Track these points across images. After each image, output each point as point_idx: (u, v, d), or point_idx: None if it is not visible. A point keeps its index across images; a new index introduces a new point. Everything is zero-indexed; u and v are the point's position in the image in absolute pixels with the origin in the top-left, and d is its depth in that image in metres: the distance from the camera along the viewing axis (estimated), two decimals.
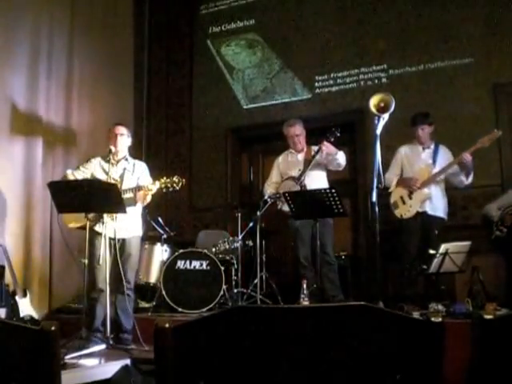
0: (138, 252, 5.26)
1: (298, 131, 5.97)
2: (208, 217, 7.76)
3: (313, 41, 7.44)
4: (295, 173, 5.87)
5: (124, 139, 5.23)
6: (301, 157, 5.98)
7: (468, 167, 5.42)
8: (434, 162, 5.62)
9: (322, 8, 7.45)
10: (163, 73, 8.41)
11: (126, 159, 5.25)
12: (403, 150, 5.83)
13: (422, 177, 5.58)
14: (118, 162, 5.16)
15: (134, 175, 5.20)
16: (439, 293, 5.21)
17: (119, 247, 4.92)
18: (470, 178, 5.52)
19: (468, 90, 6.54)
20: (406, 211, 5.59)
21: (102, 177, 5.07)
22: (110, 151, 5.06)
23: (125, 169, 5.17)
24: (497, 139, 5.45)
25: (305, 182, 5.71)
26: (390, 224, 5.62)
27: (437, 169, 5.57)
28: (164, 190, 5.05)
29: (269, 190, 6.09)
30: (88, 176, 5.10)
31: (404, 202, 5.62)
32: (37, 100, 6.39)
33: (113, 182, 4.96)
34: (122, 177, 5.12)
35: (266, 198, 6.00)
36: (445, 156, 5.63)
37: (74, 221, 4.98)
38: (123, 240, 5.02)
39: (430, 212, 5.55)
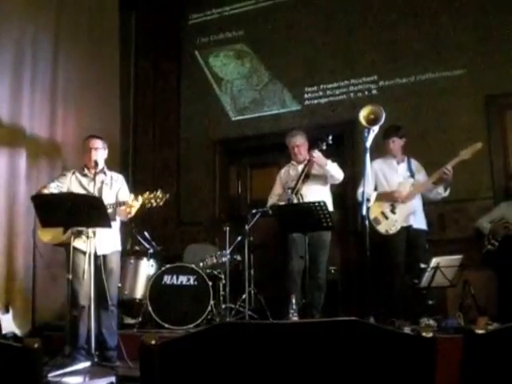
0: (118, 267, 5.16)
1: (298, 142, 5.87)
2: (195, 231, 7.66)
3: (302, 52, 7.42)
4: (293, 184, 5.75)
5: (100, 153, 5.06)
6: (301, 168, 5.87)
7: (448, 180, 5.38)
8: (413, 175, 5.60)
9: (312, 19, 7.44)
10: (150, 83, 8.37)
11: (104, 172, 5.10)
12: (377, 165, 5.74)
13: (404, 190, 5.53)
14: (95, 175, 4.97)
15: (112, 189, 5.08)
16: (430, 307, 5.17)
17: (100, 263, 4.80)
18: (448, 191, 5.50)
19: (459, 102, 6.53)
20: (391, 226, 5.50)
21: (79, 191, 4.92)
22: (97, 164, 4.95)
23: (103, 182, 5.02)
24: (488, 152, 5.44)
25: (300, 193, 5.58)
26: (380, 237, 5.56)
27: (418, 181, 5.56)
28: (148, 206, 4.88)
29: (270, 202, 5.99)
30: (64, 191, 4.96)
31: (387, 218, 5.53)
32: (20, 111, 6.29)
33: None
34: (100, 191, 4.95)
35: (253, 211, 5.94)
36: (419, 170, 5.67)
37: (51, 237, 4.87)
38: (104, 256, 4.89)
39: (415, 226, 5.53)
